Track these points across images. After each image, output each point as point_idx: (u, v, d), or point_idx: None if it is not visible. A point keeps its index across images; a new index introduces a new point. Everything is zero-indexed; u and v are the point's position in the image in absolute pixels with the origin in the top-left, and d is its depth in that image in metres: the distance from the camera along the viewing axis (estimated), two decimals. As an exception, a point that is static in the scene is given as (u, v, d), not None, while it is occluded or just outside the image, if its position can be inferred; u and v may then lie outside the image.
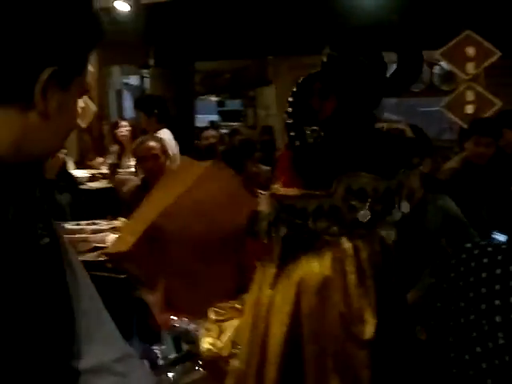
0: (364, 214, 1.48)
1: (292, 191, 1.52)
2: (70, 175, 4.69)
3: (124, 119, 8.11)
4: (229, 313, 1.75)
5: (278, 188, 1.57)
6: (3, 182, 0.92)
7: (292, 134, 1.51)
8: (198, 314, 1.79)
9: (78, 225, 3.91)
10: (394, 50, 1.53)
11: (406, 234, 3.07)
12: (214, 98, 13.79)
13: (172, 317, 1.85)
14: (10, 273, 0.88)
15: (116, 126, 7.32)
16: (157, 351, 3.70)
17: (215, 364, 1.66)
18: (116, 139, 7.11)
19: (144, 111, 5.72)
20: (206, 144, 6.47)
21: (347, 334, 1.45)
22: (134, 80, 13.06)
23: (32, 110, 0.95)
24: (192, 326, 1.80)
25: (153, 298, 1.90)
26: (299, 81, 1.58)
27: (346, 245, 1.50)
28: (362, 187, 1.48)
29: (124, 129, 7.12)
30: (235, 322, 1.69)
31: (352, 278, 1.48)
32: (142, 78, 12.11)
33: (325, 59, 1.54)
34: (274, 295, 1.51)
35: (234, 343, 1.64)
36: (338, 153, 1.49)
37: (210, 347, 1.69)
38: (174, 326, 1.84)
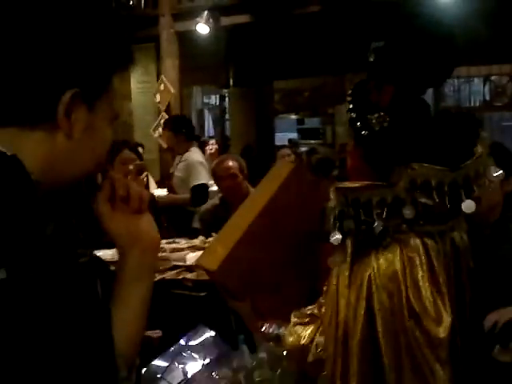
0: (469, 205, 1.47)
1: (356, 183, 1.52)
2: (151, 195, 4.79)
3: (211, 137, 8.31)
4: (308, 318, 1.74)
5: (343, 182, 1.56)
6: (41, 201, 0.92)
7: (358, 125, 1.52)
8: (283, 319, 1.82)
9: (158, 243, 3.99)
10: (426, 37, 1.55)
11: (486, 256, 3.00)
12: (293, 116, 13.83)
13: (263, 324, 1.88)
14: (51, 288, 0.88)
15: (204, 144, 7.52)
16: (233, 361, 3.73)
17: (301, 354, 1.69)
18: (203, 158, 7.29)
19: (172, 130, 5.81)
20: (281, 163, 6.50)
21: (420, 331, 1.43)
22: (214, 100, 13.27)
23: (58, 131, 0.96)
24: (282, 331, 1.84)
25: (243, 309, 1.94)
26: (352, 86, 1.60)
27: (415, 241, 1.48)
28: (427, 179, 1.46)
29: (212, 146, 7.32)
30: (315, 327, 1.68)
31: (422, 274, 1.46)
32: (223, 97, 12.29)
33: (371, 58, 1.55)
34: (349, 294, 1.52)
35: (317, 346, 1.67)
36: (405, 136, 1.50)
37: (293, 340, 1.72)
38: (267, 333, 1.88)
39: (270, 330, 1.80)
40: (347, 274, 1.53)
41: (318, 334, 1.66)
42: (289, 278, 1.96)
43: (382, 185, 1.48)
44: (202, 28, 8.01)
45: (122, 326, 1.07)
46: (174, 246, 3.89)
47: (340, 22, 7.88)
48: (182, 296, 3.22)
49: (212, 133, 12.64)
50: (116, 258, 3.48)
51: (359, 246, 1.52)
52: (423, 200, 1.45)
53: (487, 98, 9.94)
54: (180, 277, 3.35)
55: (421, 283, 1.44)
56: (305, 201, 2.03)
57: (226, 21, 8.11)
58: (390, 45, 1.52)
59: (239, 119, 10.67)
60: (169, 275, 3.37)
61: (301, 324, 1.72)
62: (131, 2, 9.15)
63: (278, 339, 1.77)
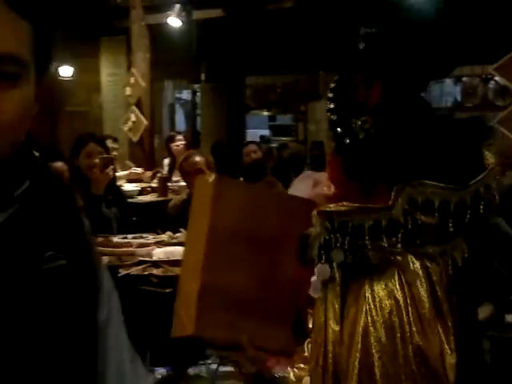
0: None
1: (344, 206, 1.29)
2: (118, 189, 4.72)
3: (179, 133, 8.22)
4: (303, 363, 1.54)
5: (327, 204, 1.33)
6: None
7: (339, 130, 1.29)
8: (288, 350, 1.64)
9: (125, 238, 3.92)
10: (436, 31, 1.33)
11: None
12: (265, 113, 13.78)
13: (273, 365, 1.69)
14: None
15: (171, 139, 7.45)
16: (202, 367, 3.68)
17: None
18: (170, 152, 7.21)
19: None
20: (248, 160, 6.39)
21: (425, 370, 1.22)
22: (186, 95, 13.17)
23: None
24: (285, 373, 1.64)
25: (245, 354, 1.74)
26: (336, 77, 1.34)
27: (414, 265, 1.26)
28: (429, 199, 1.25)
29: (179, 142, 7.25)
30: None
31: (425, 302, 1.24)
32: (194, 92, 12.20)
33: (361, 46, 1.31)
34: (341, 330, 1.30)
35: None
36: (397, 144, 1.26)
37: None
38: (276, 376, 1.68)
39: (280, 372, 1.62)
40: (337, 306, 1.31)
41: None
42: (274, 301, 1.78)
43: (376, 208, 1.26)
44: (174, 21, 7.93)
45: None
46: (140, 241, 3.82)
47: (313, 18, 7.85)
48: (147, 292, 3.16)
49: (184, 128, 12.54)
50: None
51: (350, 272, 1.30)
52: (425, 219, 1.24)
53: (458, 98, 10.00)
54: (146, 272, 3.30)
55: (424, 314, 1.23)
56: (284, 222, 1.80)
57: (198, 14, 8.04)
58: (386, 31, 1.28)
59: (210, 115, 10.61)
60: (134, 271, 3.31)
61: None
62: (103, -7, 9.04)
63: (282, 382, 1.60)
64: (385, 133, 1.26)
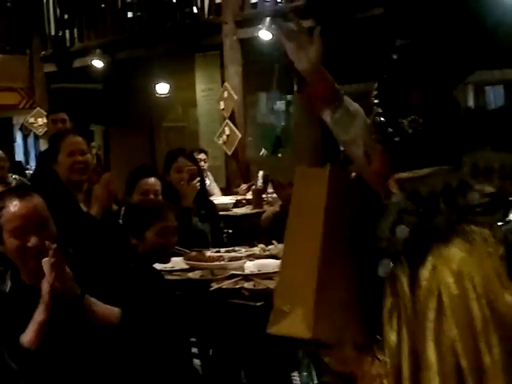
0: None
1: (418, 172, 1.45)
2: (210, 203, 4.80)
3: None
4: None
5: (400, 173, 1.49)
6: None
7: (390, 130, 1.47)
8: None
9: (218, 252, 3.99)
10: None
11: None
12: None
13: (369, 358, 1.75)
14: None
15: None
16: (296, 378, 3.69)
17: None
18: (265, 163, 7.30)
19: None
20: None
21: (495, 315, 1.39)
22: (280, 105, 13.22)
23: None
24: None
25: (343, 353, 1.78)
26: (375, 86, 1.57)
27: (473, 231, 1.42)
28: (490, 164, 1.45)
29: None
30: None
31: (488, 263, 1.41)
32: (288, 103, 12.24)
33: (395, 56, 1.59)
34: (413, 294, 1.46)
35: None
36: (445, 134, 1.44)
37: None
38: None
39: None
40: (407, 282, 1.46)
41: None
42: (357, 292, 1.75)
43: (447, 169, 1.42)
44: (265, 34, 8.01)
45: None
46: (232, 254, 3.87)
47: (404, 24, 7.74)
48: (238, 306, 3.19)
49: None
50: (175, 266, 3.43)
51: (414, 247, 1.44)
52: (485, 188, 1.41)
53: None
54: (237, 286, 3.32)
55: (491, 272, 1.38)
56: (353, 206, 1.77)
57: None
58: (418, 42, 1.53)
59: (304, 124, 10.62)
60: (226, 284, 3.35)
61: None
62: (195, 11, 9.24)
63: None
64: (432, 126, 1.44)
